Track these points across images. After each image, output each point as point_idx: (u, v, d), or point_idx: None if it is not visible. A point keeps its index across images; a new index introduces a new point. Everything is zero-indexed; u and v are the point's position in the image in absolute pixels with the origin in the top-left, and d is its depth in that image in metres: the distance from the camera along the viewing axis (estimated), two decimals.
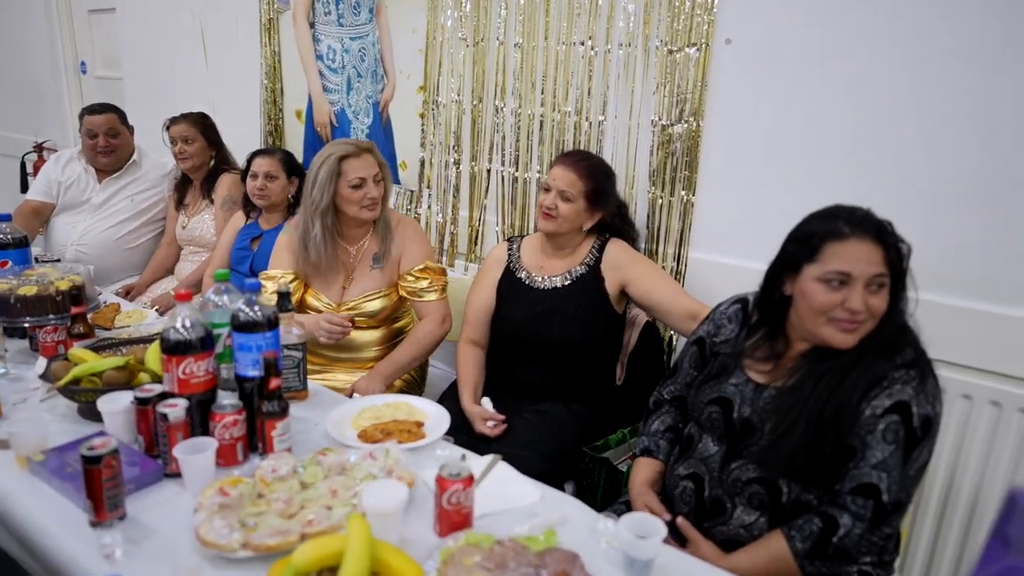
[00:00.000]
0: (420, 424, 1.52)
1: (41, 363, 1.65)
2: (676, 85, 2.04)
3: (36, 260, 2.24)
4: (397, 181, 2.83)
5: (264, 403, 1.34)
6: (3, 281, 1.82)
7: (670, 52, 2.03)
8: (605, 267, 1.92)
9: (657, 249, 2.17)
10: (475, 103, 2.50)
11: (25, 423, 1.35)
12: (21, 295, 1.77)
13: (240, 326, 1.36)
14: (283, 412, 1.35)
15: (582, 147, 2.27)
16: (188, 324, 1.31)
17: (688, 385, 1.51)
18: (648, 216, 2.17)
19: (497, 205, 2.52)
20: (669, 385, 1.56)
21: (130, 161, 3.00)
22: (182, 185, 3.00)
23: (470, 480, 1.15)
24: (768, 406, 1.27)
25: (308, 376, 1.67)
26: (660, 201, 2.14)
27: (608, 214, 1.94)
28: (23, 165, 4.34)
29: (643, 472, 1.47)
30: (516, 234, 2.46)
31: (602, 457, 1.80)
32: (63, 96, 4.58)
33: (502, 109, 2.43)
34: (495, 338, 2.02)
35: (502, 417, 1.82)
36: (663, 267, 2.16)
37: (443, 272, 2.14)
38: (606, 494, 1.81)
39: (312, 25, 2.92)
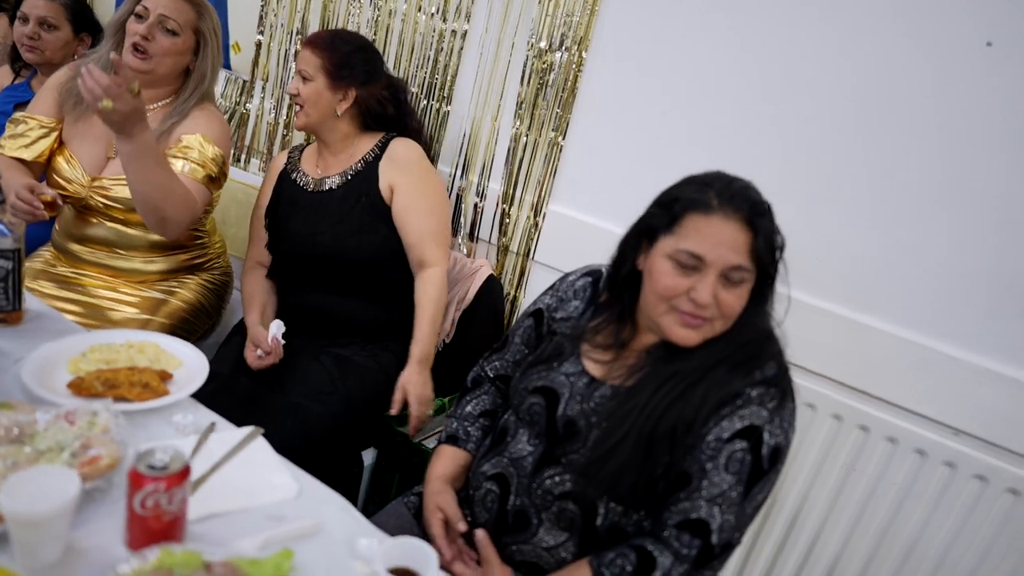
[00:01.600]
0: (166, 376, 1.16)
1: None
2: (563, 5, 1.72)
3: None
4: (227, 66, 2.33)
5: None
6: None
7: None
8: (384, 163, 1.63)
9: (513, 195, 1.88)
10: None
11: None
12: None
13: None
14: None
15: (438, 62, 1.92)
16: None
17: (516, 364, 1.25)
18: (508, 154, 1.87)
19: None
20: (494, 360, 1.30)
21: None
22: None
23: (182, 476, 0.82)
24: (599, 408, 1.03)
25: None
26: (524, 139, 1.84)
27: (368, 94, 1.63)
28: None
29: (444, 463, 1.20)
30: None
31: (402, 431, 1.53)
32: None
33: None
34: (274, 257, 1.72)
35: (271, 349, 1.54)
36: (518, 217, 1.88)
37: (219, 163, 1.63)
38: (408, 474, 1.55)
39: None
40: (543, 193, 1.84)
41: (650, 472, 0.97)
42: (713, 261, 0.95)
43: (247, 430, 1.09)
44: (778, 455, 0.96)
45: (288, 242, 1.66)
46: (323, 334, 1.63)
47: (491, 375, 1.30)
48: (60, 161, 1.61)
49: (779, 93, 1.53)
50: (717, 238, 0.95)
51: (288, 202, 1.68)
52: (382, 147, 1.65)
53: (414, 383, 1.54)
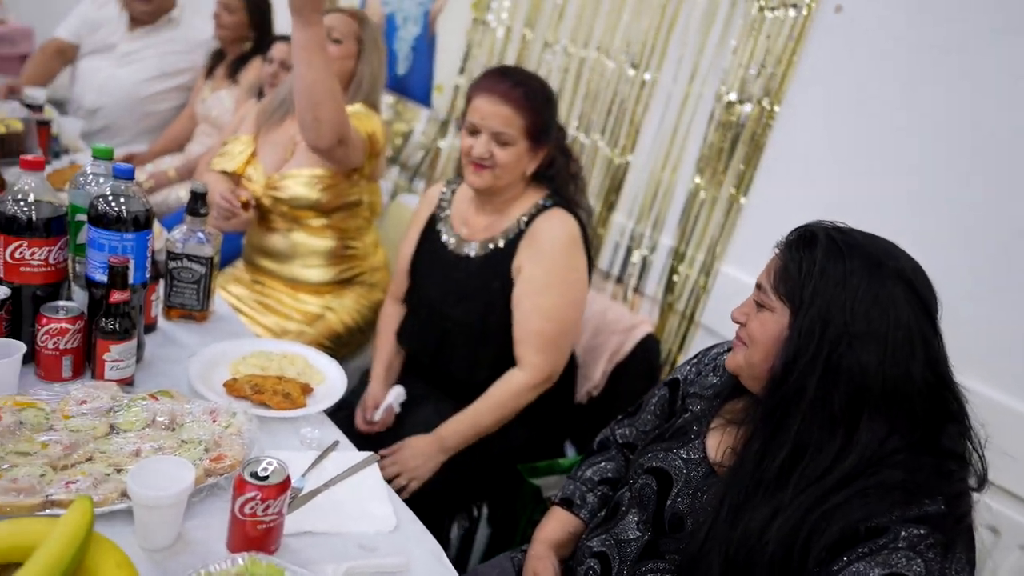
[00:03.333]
0: (307, 390, 1.23)
1: None
2: (758, 53, 1.60)
3: (15, 98, 2.07)
4: (428, 104, 2.50)
5: (101, 319, 1.07)
6: None
7: (761, 9, 1.59)
8: (525, 241, 1.46)
9: (684, 252, 1.77)
10: (526, 31, 2.12)
11: None
12: None
13: (96, 218, 1.08)
14: (123, 334, 1.08)
15: (625, 108, 1.87)
16: (29, 199, 1.05)
17: (645, 434, 1.15)
18: (683, 210, 1.77)
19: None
20: (625, 425, 1.21)
21: (167, 17, 2.79)
22: (216, 57, 2.77)
23: (279, 489, 0.85)
24: (707, 505, 0.90)
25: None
26: (703, 195, 1.73)
27: (551, 149, 1.49)
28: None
29: (553, 527, 1.13)
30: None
31: (533, 484, 1.47)
32: None
33: (554, 45, 2.05)
34: (408, 308, 1.67)
35: (381, 419, 1.52)
36: (687, 276, 1.76)
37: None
38: (530, 531, 1.49)
39: None
40: (716, 252, 1.71)
41: None
42: None
43: (364, 455, 1.11)
44: None
45: (420, 302, 1.60)
46: (447, 389, 1.58)
47: (619, 441, 1.20)
48: (250, 169, 1.83)
49: (991, 164, 1.28)
50: None
51: (428, 257, 1.59)
52: (533, 215, 1.47)
53: (417, 452, 1.42)
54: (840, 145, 1.51)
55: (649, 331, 1.77)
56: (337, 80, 1.56)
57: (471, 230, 1.54)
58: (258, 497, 0.84)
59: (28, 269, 1.07)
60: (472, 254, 1.51)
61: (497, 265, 1.48)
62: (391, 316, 1.67)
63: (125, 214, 1.09)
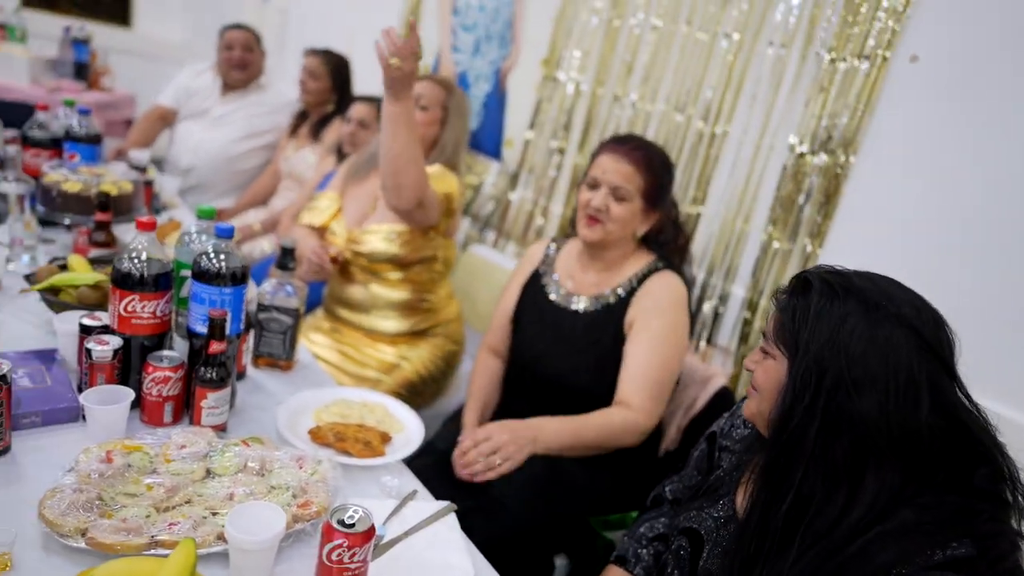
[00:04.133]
0: (386, 439, 1.27)
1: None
2: (830, 104, 1.60)
3: (123, 160, 2.24)
4: (498, 158, 2.58)
5: (200, 368, 1.14)
6: (57, 173, 1.78)
7: (833, 61, 1.59)
8: (637, 297, 1.50)
9: (758, 303, 1.75)
10: (595, 87, 2.17)
11: None
12: (64, 190, 1.72)
13: (199, 274, 1.17)
14: (219, 382, 1.15)
15: (698, 159, 1.89)
16: (142, 257, 1.14)
17: (689, 490, 1.13)
18: (756, 262, 1.75)
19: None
20: (674, 481, 1.20)
21: (256, 82, 3.00)
22: (300, 117, 2.95)
23: (365, 537, 0.88)
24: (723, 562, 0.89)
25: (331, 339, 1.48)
26: (776, 247, 1.71)
27: (663, 216, 1.53)
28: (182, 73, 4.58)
29: None
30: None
31: (607, 538, 1.45)
32: (243, 20, 4.77)
33: (623, 99, 2.09)
34: (508, 355, 1.69)
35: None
36: (750, 328, 1.74)
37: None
38: None
39: None
40: None
41: None
42: None
43: (442, 504, 1.13)
44: None
45: (522, 354, 1.61)
46: None
47: (668, 497, 1.19)
48: (334, 223, 1.94)
49: None
50: None
51: (532, 309, 1.61)
52: (644, 276, 1.51)
53: (514, 435, 1.34)
54: (917, 194, 1.48)
55: (724, 384, 1.74)
56: (420, 148, 1.64)
57: (578, 285, 1.57)
58: (345, 544, 0.86)
59: (138, 321, 1.16)
60: (581, 309, 1.54)
61: (608, 320, 1.51)
62: (486, 366, 1.70)
63: (224, 270, 1.17)
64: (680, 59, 1.92)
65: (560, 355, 1.54)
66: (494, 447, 1.34)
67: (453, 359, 2.02)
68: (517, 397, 1.63)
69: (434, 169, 1.84)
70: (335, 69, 2.84)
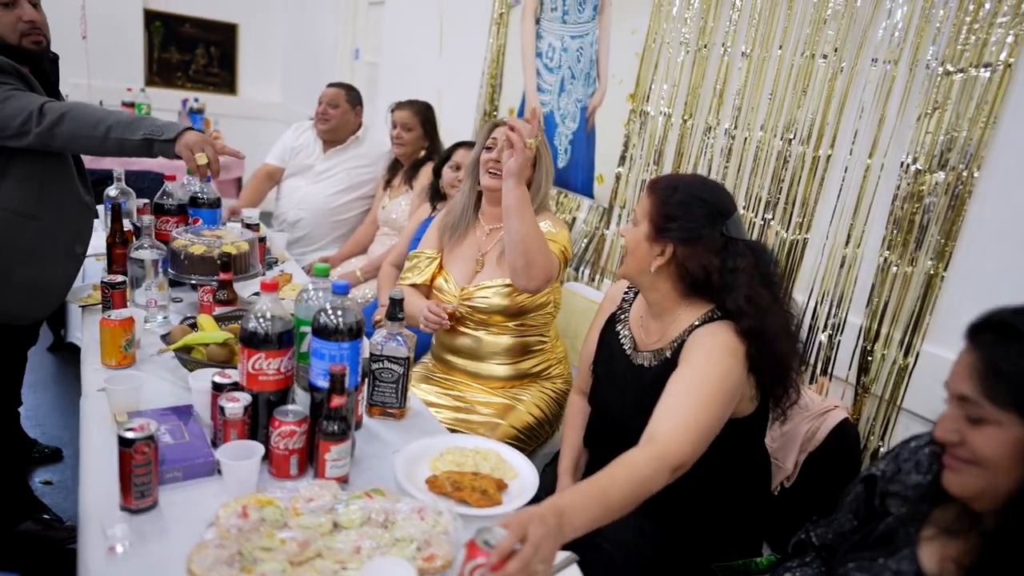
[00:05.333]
0: (502, 486, 1.27)
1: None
2: (947, 119, 1.51)
3: (237, 219, 2.40)
4: (590, 195, 2.58)
5: (323, 421, 1.19)
6: (183, 237, 1.92)
7: (947, 73, 1.51)
8: (685, 347, 1.36)
9: (878, 331, 1.65)
10: (686, 118, 2.15)
11: (121, 380, 1.35)
12: (190, 252, 1.85)
13: (319, 330, 1.22)
14: (341, 435, 1.19)
15: (800, 185, 1.82)
16: (268, 316, 1.21)
17: (842, 536, 1.06)
18: (873, 287, 1.66)
19: None
20: (821, 526, 1.12)
21: (354, 136, 3.16)
22: (394, 167, 3.07)
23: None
24: None
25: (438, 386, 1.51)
26: (894, 270, 1.62)
27: (689, 255, 1.35)
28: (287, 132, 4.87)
29: None
30: None
31: None
32: (337, 77, 5.06)
33: (715, 128, 2.06)
34: (591, 408, 1.62)
35: None
36: (883, 357, 1.64)
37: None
38: None
39: (537, 21, 2.78)
40: (917, 331, 1.58)
41: None
42: None
43: (564, 555, 1.12)
44: None
45: (602, 407, 1.55)
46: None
47: (815, 543, 1.12)
48: (440, 280, 1.98)
49: None
50: None
51: (608, 361, 1.54)
52: (696, 327, 1.37)
53: (539, 521, 0.99)
54: None
55: (844, 416, 1.64)
56: (541, 230, 1.72)
57: (646, 337, 1.49)
58: (486, 567, 0.87)
59: (265, 378, 1.22)
60: (646, 364, 1.45)
61: (666, 376, 1.36)
62: (577, 408, 1.67)
63: (342, 325, 1.22)
64: (775, 83, 1.87)
65: (634, 412, 1.40)
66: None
67: (563, 399, 2.01)
68: (606, 453, 1.53)
69: (546, 228, 1.84)
70: (424, 118, 2.94)
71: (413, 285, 2.02)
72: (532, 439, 1.90)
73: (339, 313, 1.23)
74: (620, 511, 1.18)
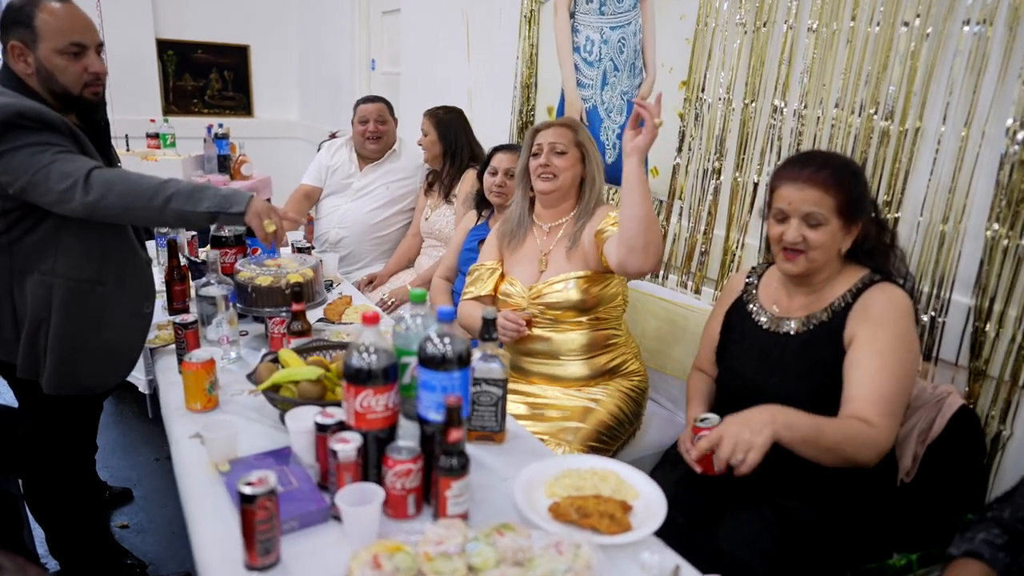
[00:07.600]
0: (627, 508, 1.20)
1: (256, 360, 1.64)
2: None
3: (292, 245, 2.34)
4: None
5: (442, 457, 1.12)
6: (247, 270, 1.87)
7: None
8: (855, 312, 1.40)
9: (991, 309, 1.56)
10: (748, 102, 2.06)
11: (217, 427, 1.30)
12: (257, 284, 1.80)
13: (426, 360, 1.16)
14: (462, 470, 1.12)
15: (885, 162, 1.73)
16: (372, 351, 1.14)
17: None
18: (982, 263, 1.57)
19: (762, 226, 2.06)
20: (1007, 508, 1.05)
21: (391, 150, 3.10)
22: (432, 177, 3.01)
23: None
24: None
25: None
26: (1005, 243, 1.53)
27: (866, 223, 1.44)
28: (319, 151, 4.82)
29: None
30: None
31: None
32: (355, 90, 5.00)
33: (782, 110, 1.97)
34: (718, 385, 1.67)
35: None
36: (999, 336, 1.55)
37: None
38: None
39: (572, 15, 2.69)
40: None
41: None
42: None
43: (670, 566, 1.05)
44: None
45: (735, 382, 1.57)
46: (766, 480, 1.41)
47: (1005, 516, 1.05)
48: (504, 286, 1.96)
49: None
50: None
51: (740, 337, 1.58)
52: (859, 291, 1.42)
53: (745, 423, 1.24)
54: None
55: (962, 402, 1.55)
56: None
57: (785, 310, 1.53)
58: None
59: (374, 416, 1.15)
60: (792, 331, 1.48)
61: (824, 338, 1.43)
62: (699, 381, 1.70)
63: (451, 354, 1.15)
64: (849, 58, 1.78)
65: (775, 380, 1.46)
66: (732, 446, 1.23)
67: (641, 397, 1.96)
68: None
69: (604, 212, 1.86)
70: (438, 120, 2.87)
71: (476, 298, 1.99)
72: (613, 439, 1.85)
73: (446, 341, 1.16)
74: (822, 451, 1.28)
